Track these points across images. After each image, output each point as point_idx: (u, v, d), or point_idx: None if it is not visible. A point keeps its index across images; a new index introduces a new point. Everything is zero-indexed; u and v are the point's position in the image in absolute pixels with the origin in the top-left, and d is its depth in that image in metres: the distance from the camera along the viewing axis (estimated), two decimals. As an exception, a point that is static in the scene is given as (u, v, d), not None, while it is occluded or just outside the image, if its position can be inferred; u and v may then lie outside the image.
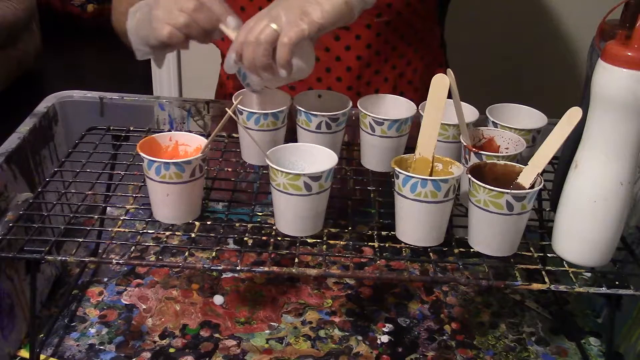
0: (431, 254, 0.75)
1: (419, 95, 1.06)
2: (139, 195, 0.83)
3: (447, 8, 1.16)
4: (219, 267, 0.73)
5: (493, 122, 0.85)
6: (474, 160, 0.77)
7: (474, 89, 1.11)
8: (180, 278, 0.98)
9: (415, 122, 0.83)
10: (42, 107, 0.99)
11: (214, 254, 0.75)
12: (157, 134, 0.78)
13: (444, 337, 0.90)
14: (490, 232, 0.72)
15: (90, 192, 0.84)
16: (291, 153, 0.77)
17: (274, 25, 0.76)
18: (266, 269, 0.73)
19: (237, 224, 0.80)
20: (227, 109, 0.73)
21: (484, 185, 0.69)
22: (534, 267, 0.73)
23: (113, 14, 1.02)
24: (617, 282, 0.72)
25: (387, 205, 0.80)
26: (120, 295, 0.94)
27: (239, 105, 0.81)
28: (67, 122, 1.02)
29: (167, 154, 0.78)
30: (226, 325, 0.90)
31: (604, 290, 0.71)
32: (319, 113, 0.84)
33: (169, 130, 0.97)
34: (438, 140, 0.76)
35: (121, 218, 0.79)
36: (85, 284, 0.96)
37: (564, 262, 0.73)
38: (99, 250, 1.01)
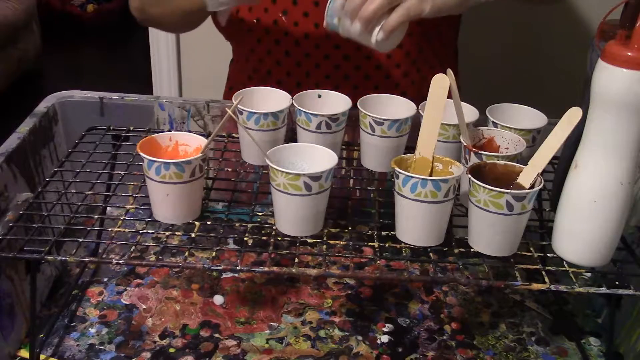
0: (431, 254, 0.75)
1: None
2: (139, 195, 0.83)
3: (462, 15, 1.16)
4: (219, 267, 0.73)
5: (493, 122, 0.85)
6: (474, 160, 0.77)
7: (473, 89, 1.11)
8: (180, 278, 0.98)
9: (415, 122, 0.83)
10: (42, 107, 0.99)
11: (214, 254, 0.75)
12: (157, 134, 0.78)
13: (444, 337, 0.90)
14: (490, 232, 0.72)
15: (90, 192, 0.84)
16: (291, 153, 0.77)
17: None
18: (266, 269, 0.73)
19: (237, 224, 0.80)
20: (227, 109, 0.73)
21: (484, 185, 0.69)
22: (534, 267, 0.73)
23: None
24: (617, 282, 0.72)
25: (387, 205, 0.80)
26: (120, 295, 0.94)
27: (239, 105, 0.81)
28: (67, 122, 1.02)
29: (167, 154, 0.78)
30: (226, 325, 0.90)
31: (604, 290, 0.71)
32: (319, 113, 0.83)
33: (169, 130, 0.97)
34: (438, 140, 0.76)
35: (121, 218, 0.79)
36: (85, 284, 0.96)
37: (564, 262, 0.73)
38: (99, 250, 1.01)
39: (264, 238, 0.76)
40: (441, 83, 0.73)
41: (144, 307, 0.92)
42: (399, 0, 0.76)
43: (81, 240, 0.75)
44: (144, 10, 1.00)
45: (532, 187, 0.71)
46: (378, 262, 0.75)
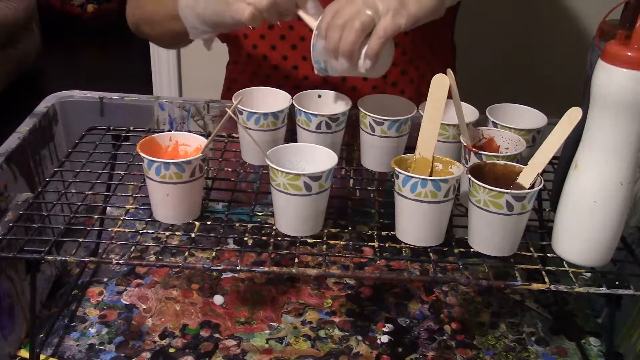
0: (431, 254, 0.75)
1: None
2: (139, 195, 0.83)
3: (457, 11, 1.17)
4: (219, 267, 0.73)
5: (493, 122, 0.85)
6: (474, 160, 0.77)
7: (474, 89, 1.11)
8: (180, 278, 0.98)
9: (415, 122, 0.83)
10: (42, 107, 0.99)
11: (214, 254, 0.75)
12: (157, 134, 0.78)
13: (444, 337, 0.90)
14: (490, 232, 0.72)
15: (90, 192, 0.84)
16: (291, 153, 0.77)
17: (369, 12, 0.74)
18: (266, 269, 0.73)
19: (237, 224, 0.80)
20: (227, 109, 0.73)
21: (484, 185, 0.69)
22: (534, 267, 0.73)
23: (132, 2, 1.00)
24: (617, 282, 0.72)
25: (387, 205, 0.80)
26: (120, 295, 0.94)
27: (239, 105, 0.81)
28: (67, 122, 1.02)
29: (167, 154, 0.78)
30: (226, 325, 0.90)
31: (604, 290, 0.71)
32: (319, 113, 0.84)
33: (169, 130, 0.97)
34: (438, 140, 0.76)
35: (121, 218, 0.79)
36: (85, 284, 0.96)
37: (564, 262, 0.73)
38: (99, 250, 1.01)
39: (264, 238, 0.76)
40: (441, 83, 0.73)
41: (144, 307, 0.92)
42: (372, 23, 0.75)
43: (81, 240, 0.75)
44: (138, 28, 1.02)
45: (532, 187, 0.71)
46: (378, 262, 0.75)
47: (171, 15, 0.89)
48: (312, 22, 0.81)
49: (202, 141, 0.77)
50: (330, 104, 0.88)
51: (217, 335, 0.88)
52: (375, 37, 0.75)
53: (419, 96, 1.02)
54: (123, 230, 0.77)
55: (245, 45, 1.05)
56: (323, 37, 0.79)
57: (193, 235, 0.77)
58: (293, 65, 1.04)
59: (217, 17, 0.83)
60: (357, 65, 0.78)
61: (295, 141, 0.87)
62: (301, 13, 0.81)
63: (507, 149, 0.81)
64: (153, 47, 2.03)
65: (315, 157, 0.76)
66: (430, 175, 0.74)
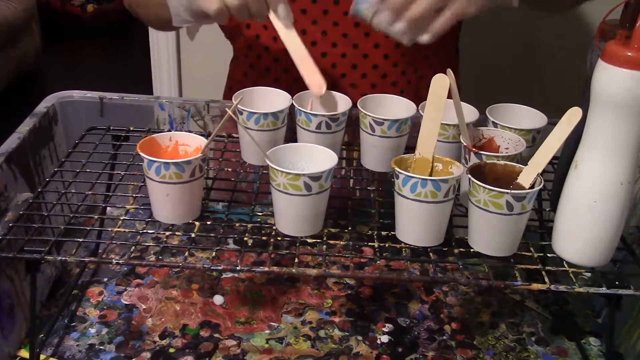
0: (431, 254, 0.75)
1: None
2: (139, 195, 0.83)
3: None
4: (219, 267, 0.73)
5: (493, 122, 0.85)
6: (474, 160, 0.77)
7: (473, 89, 1.11)
8: (180, 278, 0.98)
9: (415, 122, 0.83)
10: (42, 107, 0.99)
11: (214, 254, 0.75)
12: (157, 134, 0.78)
13: (444, 337, 0.90)
14: (490, 232, 0.72)
15: (90, 192, 0.84)
16: (291, 153, 0.77)
17: None
18: (266, 269, 0.73)
19: (237, 224, 0.80)
20: (227, 109, 0.73)
21: (484, 185, 0.69)
22: (534, 267, 0.73)
23: None
24: (617, 282, 0.72)
25: (387, 205, 0.80)
26: (120, 295, 0.94)
27: (239, 105, 0.81)
28: (67, 122, 1.02)
29: (167, 154, 0.78)
30: (226, 325, 0.90)
31: (604, 290, 0.71)
32: (319, 113, 0.84)
33: (169, 130, 0.97)
34: (438, 140, 0.76)
35: (121, 218, 0.79)
36: (85, 284, 0.96)
37: (564, 262, 0.73)
38: (99, 250, 1.01)
39: (264, 238, 0.76)
40: (441, 83, 0.73)
41: (144, 307, 0.92)
42: (445, 1, 0.76)
43: (81, 240, 0.75)
44: (132, 8, 1.03)
45: (532, 187, 0.71)
46: (378, 262, 0.75)
47: (157, 2, 0.89)
48: (281, 26, 0.81)
49: (202, 141, 0.77)
50: (330, 104, 0.88)
51: (217, 335, 0.88)
52: (445, 17, 0.75)
53: (418, 97, 1.01)
54: (123, 230, 0.77)
55: (248, 36, 1.05)
56: None
57: (193, 235, 0.77)
58: None
59: (190, 5, 0.84)
60: (414, 33, 0.77)
61: (295, 141, 0.87)
62: (272, 16, 0.82)
63: (507, 149, 0.81)
64: (153, 46, 2.03)
65: (315, 157, 0.76)
66: (430, 175, 0.74)
